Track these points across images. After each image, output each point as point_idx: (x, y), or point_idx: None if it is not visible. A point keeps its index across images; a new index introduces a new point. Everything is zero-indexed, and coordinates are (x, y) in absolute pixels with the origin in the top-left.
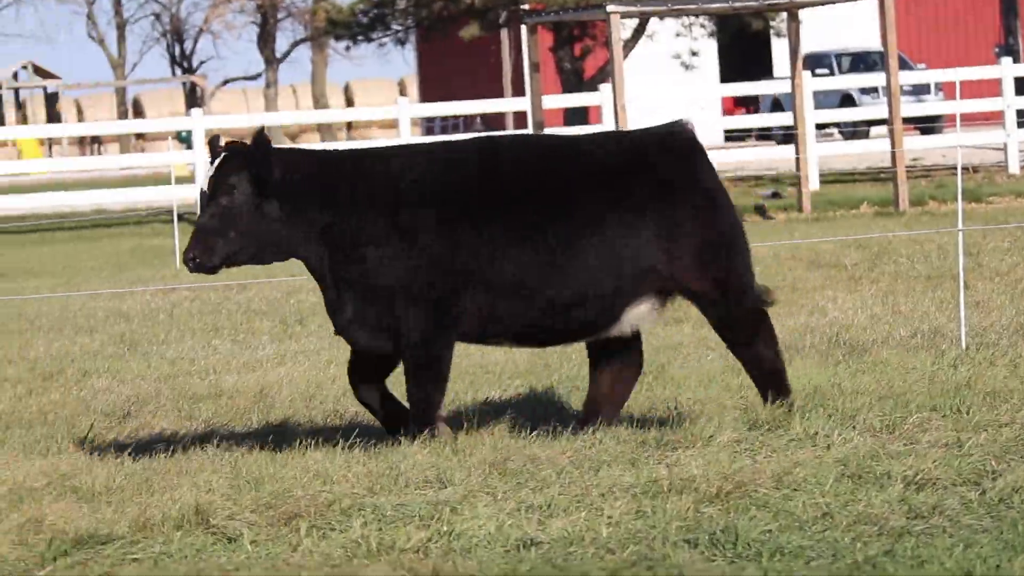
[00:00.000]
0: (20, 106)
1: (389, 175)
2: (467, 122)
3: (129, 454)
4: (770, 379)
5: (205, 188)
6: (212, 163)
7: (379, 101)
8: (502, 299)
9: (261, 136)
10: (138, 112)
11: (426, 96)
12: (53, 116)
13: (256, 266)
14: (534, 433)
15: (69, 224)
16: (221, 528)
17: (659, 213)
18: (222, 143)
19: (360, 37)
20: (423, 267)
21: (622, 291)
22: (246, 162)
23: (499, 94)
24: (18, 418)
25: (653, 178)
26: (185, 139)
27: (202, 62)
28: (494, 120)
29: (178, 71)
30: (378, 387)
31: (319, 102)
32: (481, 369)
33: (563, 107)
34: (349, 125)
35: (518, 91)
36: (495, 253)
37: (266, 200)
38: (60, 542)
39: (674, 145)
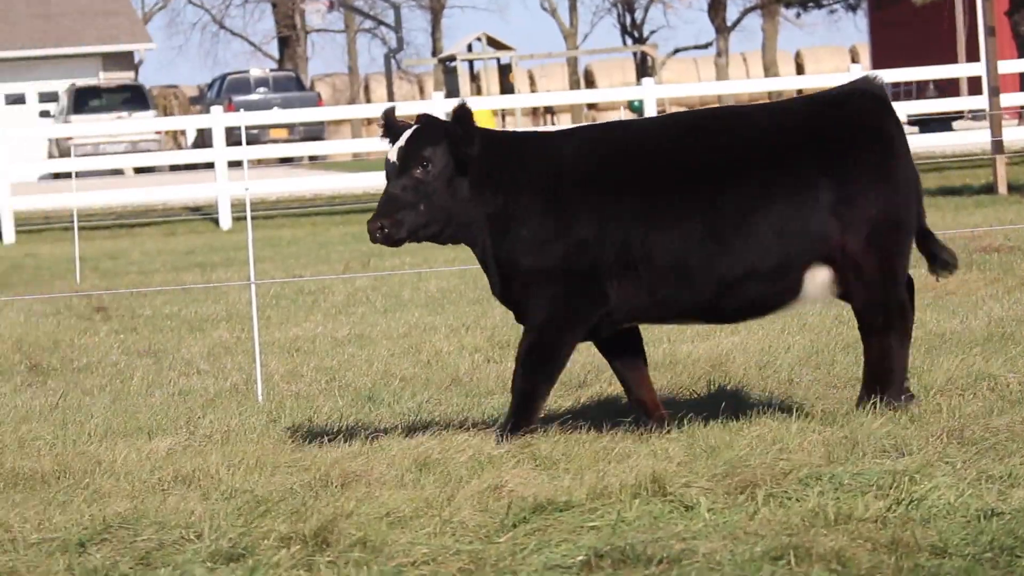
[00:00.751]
0: (474, 77)
1: (552, 157)
2: (919, 88)
3: (585, 422)
4: (883, 375)
5: (393, 158)
6: (389, 135)
7: (829, 68)
8: (668, 278)
9: (465, 111)
10: (589, 82)
11: (878, 63)
12: (506, 87)
13: None
14: (992, 402)
15: None
16: (678, 496)
17: (834, 181)
18: (396, 116)
19: (811, 4)
20: (572, 252)
21: (794, 262)
22: (446, 136)
23: (952, 60)
24: (477, 386)
25: (836, 139)
26: (636, 108)
27: (652, 31)
28: (947, 86)
29: (629, 41)
30: (637, 365)
31: (769, 71)
32: (938, 338)
33: (1019, 72)
34: (799, 92)
35: (972, 56)
36: (661, 231)
37: (459, 177)
38: (519, 508)
39: (862, 104)
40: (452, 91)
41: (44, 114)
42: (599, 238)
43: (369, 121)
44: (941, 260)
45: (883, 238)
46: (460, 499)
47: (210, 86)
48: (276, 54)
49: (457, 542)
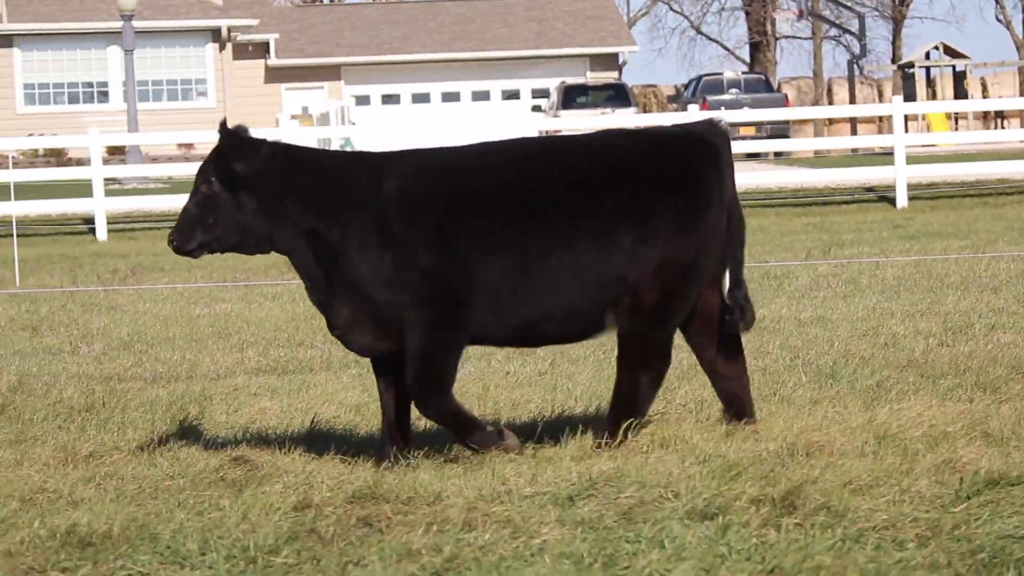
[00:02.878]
0: (930, 83)
1: (377, 181)
2: None
3: None
4: (625, 409)
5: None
6: None
7: None
8: (485, 307)
9: (223, 127)
10: None
11: None
12: (960, 93)
13: None
14: None
15: (973, 192)
16: None
17: (636, 222)
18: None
19: None
20: (421, 280)
21: (599, 296)
22: (218, 152)
23: None
24: (931, 367)
25: (650, 180)
26: None
27: None
28: None
29: None
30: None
31: None
32: None
33: None
34: None
35: None
36: (477, 263)
37: (242, 192)
38: (973, 481)
39: (682, 148)
40: (909, 95)
41: (536, 109)
42: (438, 266)
43: (831, 121)
44: (739, 313)
45: (668, 279)
46: (917, 471)
47: (686, 86)
48: (747, 58)
49: (915, 510)
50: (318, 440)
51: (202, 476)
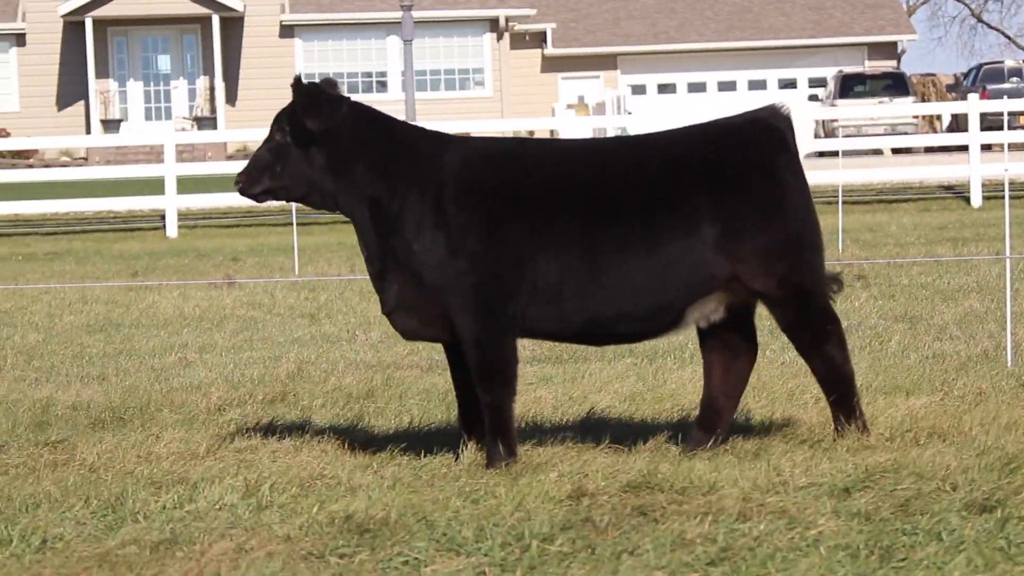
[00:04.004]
0: None
1: (443, 164)
2: None
3: None
4: (839, 385)
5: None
6: None
7: None
8: (545, 301)
9: (296, 83)
10: None
11: None
12: None
13: None
14: None
15: None
16: None
17: (723, 210)
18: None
19: None
20: (469, 266)
21: (679, 294)
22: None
23: None
24: None
25: (721, 173)
26: None
27: None
28: None
29: None
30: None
31: None
32: None
33: None
34: None
35: None
36: (540, 254)
37: (313, 147)
38: None
39: (750, 136)
40: None
41: (812, 98)
42: (487, 253)
43: None
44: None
45: (780, 261)
46: None
47: (966, 75)
48: None
49: None
50: (592, 429)
51: (477, 464)
